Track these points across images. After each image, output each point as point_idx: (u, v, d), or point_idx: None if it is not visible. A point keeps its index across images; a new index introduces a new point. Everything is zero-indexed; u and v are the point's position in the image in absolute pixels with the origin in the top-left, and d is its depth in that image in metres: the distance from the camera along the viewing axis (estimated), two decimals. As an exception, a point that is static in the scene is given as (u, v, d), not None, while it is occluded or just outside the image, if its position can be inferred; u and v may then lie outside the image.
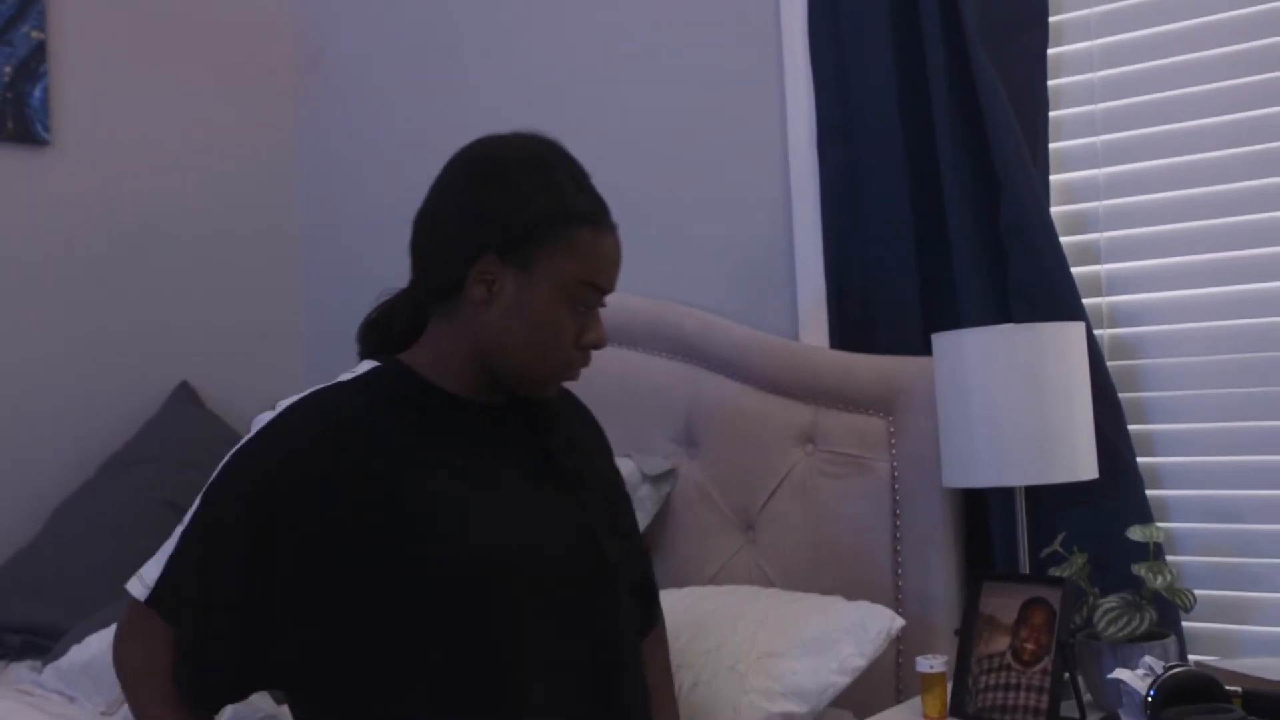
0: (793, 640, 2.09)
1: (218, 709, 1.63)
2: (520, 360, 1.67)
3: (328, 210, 3.56)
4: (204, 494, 1.62)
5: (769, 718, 1.99)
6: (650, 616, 1.93)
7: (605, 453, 1.93)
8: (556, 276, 1.63)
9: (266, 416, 1.64)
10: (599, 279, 1.66)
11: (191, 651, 1.57)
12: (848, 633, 2.11)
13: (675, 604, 2.27)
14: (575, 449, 1.79)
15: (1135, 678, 1.79)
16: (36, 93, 3.05)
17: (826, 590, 2.30)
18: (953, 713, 1.99)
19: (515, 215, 1.62)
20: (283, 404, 1.65)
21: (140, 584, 1.63)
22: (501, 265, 1.63)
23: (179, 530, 1.64)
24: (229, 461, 1.62)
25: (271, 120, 3.60)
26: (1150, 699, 1.72)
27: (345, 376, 1.71)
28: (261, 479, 1.59)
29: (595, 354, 2.69)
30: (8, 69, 3.00)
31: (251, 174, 3.53)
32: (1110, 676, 1.85)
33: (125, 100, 3.26)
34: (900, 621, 2.16)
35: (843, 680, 2.07)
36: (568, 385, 1.87)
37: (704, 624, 2.17)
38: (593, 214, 1.66)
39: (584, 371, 2.58)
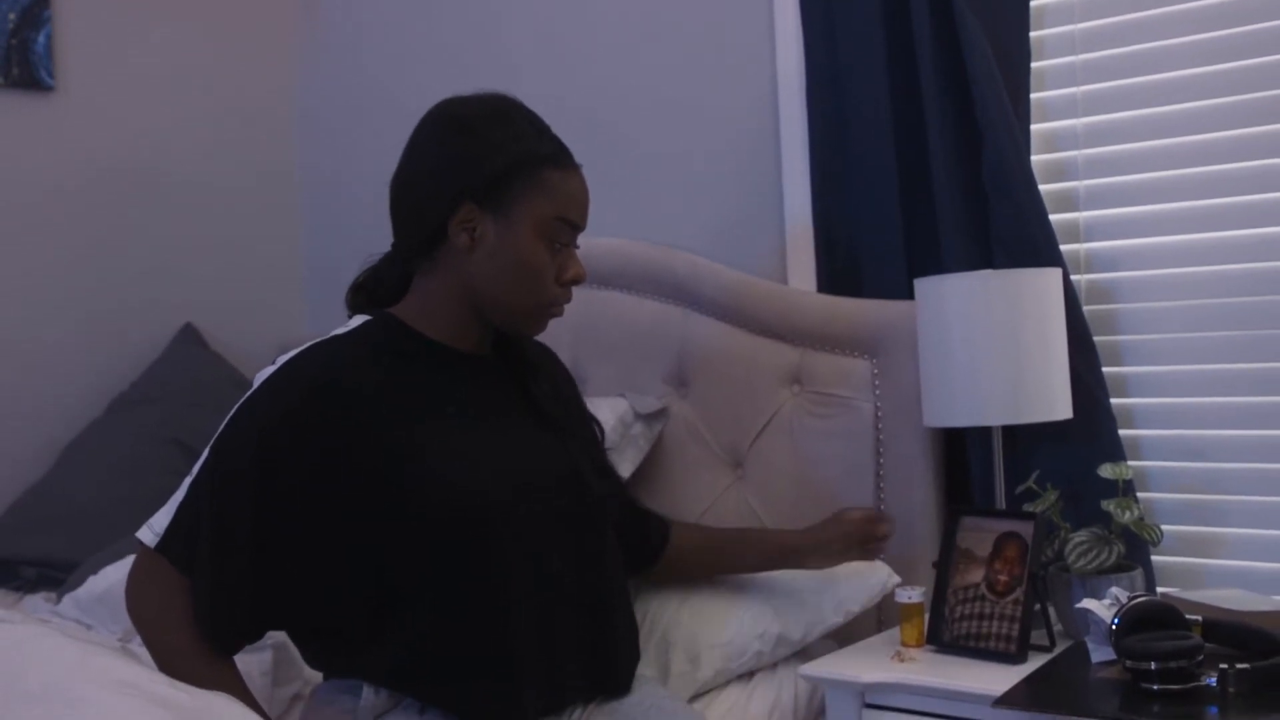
0: (797, 574, 2.18)
1: (236, 650, 1.70)
2: (508, 301, 1.74)
3: (328, 153, 3.59)
4: (212, 446, 1.69)
5: (765, 635, 2.10)
6: (661, 524, 2.07)
7: (579, 398, 2.01)
8: (533, 217, 1.71)
9: (268, 371, 1.72)
10: (571, 215, 1.75)
11: (207, 597, 1.64)
12: (848, 578, 2.20)
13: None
14: (558, 396, 1.87)
15: (1101, 607, 1.87)
16: (40, 39, 3.06)
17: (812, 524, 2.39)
18: (929, 641, 2.07)
19: (486, 163, 1.70)
20: (282, 358, 1.73)
21: (150, 532, 1.69)
22: (480, 212, 1.71)
23: (188, 480, 1.71)
24: (234, 415, 1.69)
25: (272, 63, 3.62)
26: (1114, 627, 1.79)
27: (340, 330, 1.78)
28: (264, 429, 1.66)
29: (594, 297, 2.78)
30: (12, 16, 3.01)
31: (253, 117, 3.56)
32: (1078, 606, 1.92)
33: (128, 46, 3.28)
34: (896, 579, 2.23)
35: (835, 619, 2.18)
36: (541, 338, 1.95)
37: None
38: (557, 155, 1.75)
39: (581, 314, 2.66)
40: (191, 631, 1.65)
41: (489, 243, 1.71)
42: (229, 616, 1.65)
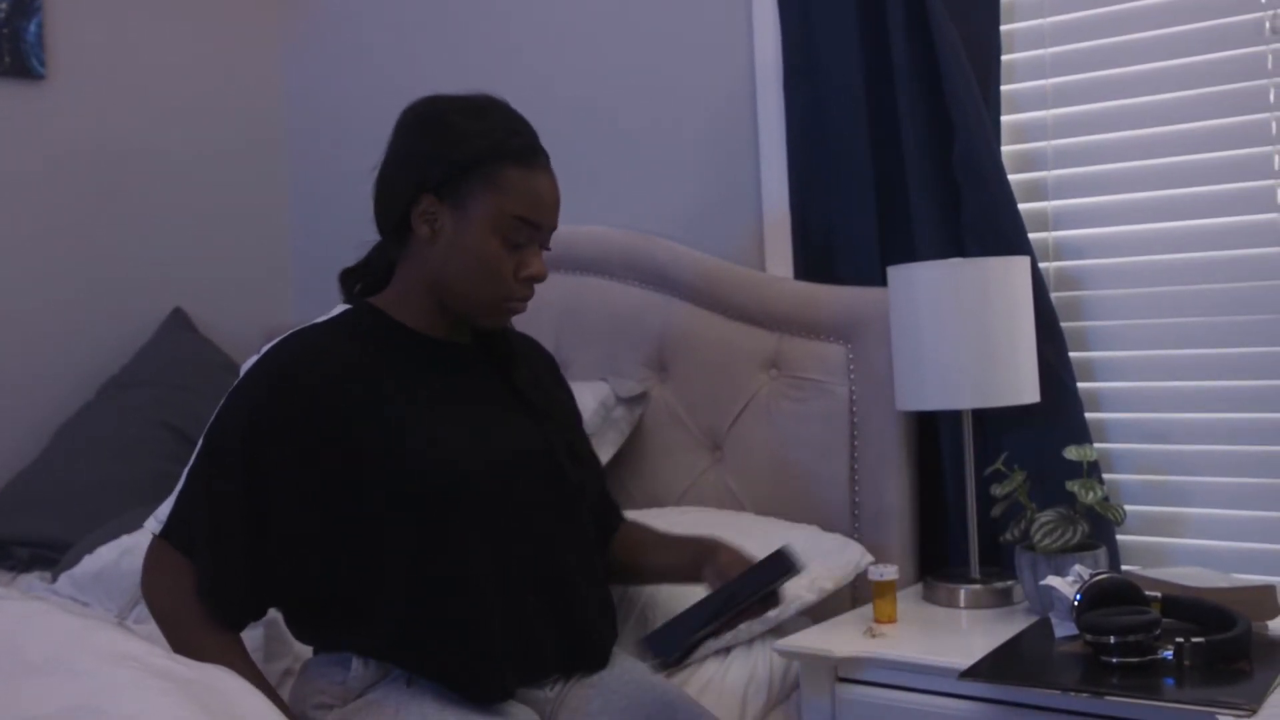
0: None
1: (241, 627, 1.75)
2: (465, 293, 1.78)
3: (316, 141, 3.63)
4: (205, 434, 1.75)
5: None
6: (618, 515, 2.07)
7: (564, 389, 2.04)
8: (488, 212, 1.74)
9: (249, 365, 1.78)
10: (530, 215, 1.76)
11: (208, 579, 1.70)
12: (823, 557, 2.25)
13: (658, 516, 2.39)
14: (538, 385, 1.91)
15: (1065, 584, 1.94)
16: (32, 28, 3.09)
17: (788, 504, 2.45)
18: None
19: (448, 156, 1.74)
20: (266, 347, 1.79)
21: (155, 521, 1.77)
22: (440, 204, 1.75)
23: (186, 470, 1.76)
24: (223, 404, 1.75)
25: (261, 50, 3.65)
26: (1076, 603, 1.86)
27: (320, 319, 1.84)
28: (251, 417, 1.72)
29: (576, 282, 2.82)
30: (4, 5, 3.04)
31: (242, 105, 3.60)
32: (1043, 583, 1.99)
33: (117, 34, 3.31)
34: (870, 558, 2.30)
35: (810, 597, 2.21)
36: (536, 336, 2.00)
37: (689, 527, 2.28)
38: (521, 154, 1.76)
39: (563, 299, 2.71)
40: (199, 610, 1.70)
41: (447, 235, 1.76)
42: (230, 595, 1.71)
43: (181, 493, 1.75)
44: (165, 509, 1.77)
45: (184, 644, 1.68)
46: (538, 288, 1.83)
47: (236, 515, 1.69)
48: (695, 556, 1.89)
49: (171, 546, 1.73)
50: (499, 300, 1.79)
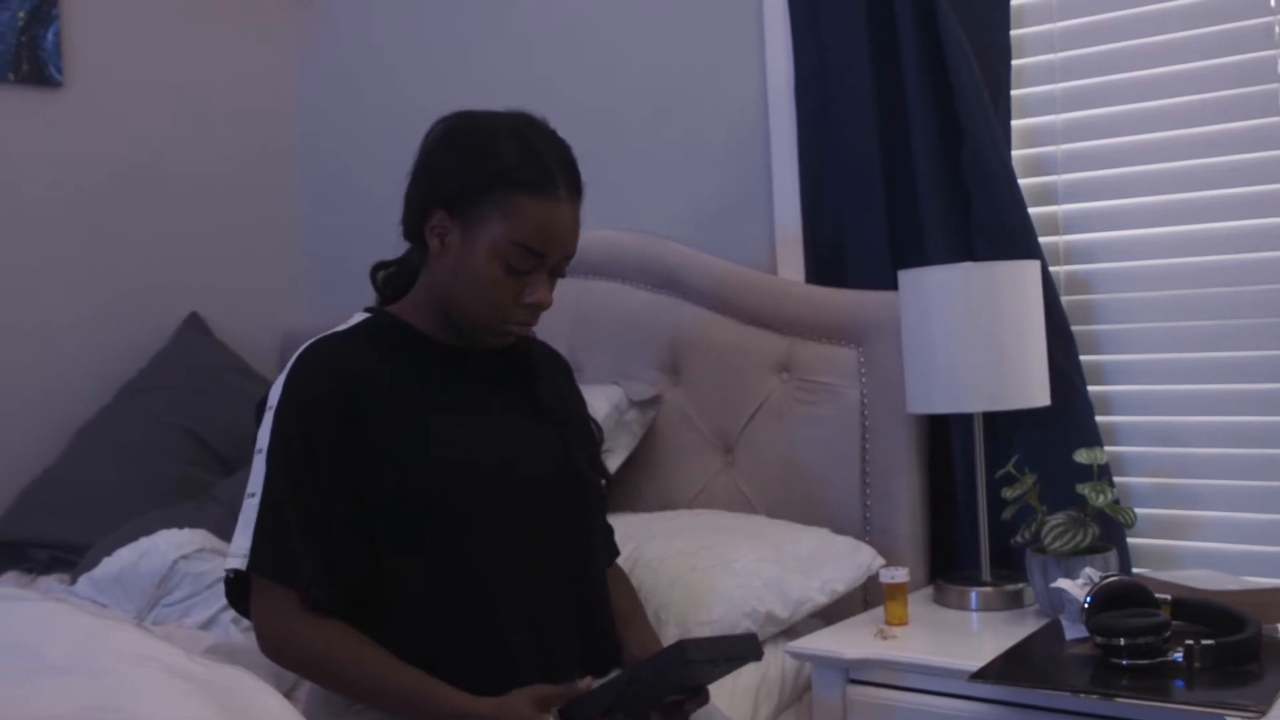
0: (785, 555, 2.25)
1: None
2: (464, 310, 1.79)
3: (328, 146, 3.65)
4: (266, 457, 1.73)
5: (754, 613, 2.15)
6: (612, 548, 2.05)
7: (582, 402, 2.04)
8: (490, 237, 1.74)
9: (280, 380, 1.77)
10: (534, 244, 1.74)
11: (315, 582, 1.68)
12: (834, 560, 2.28)
13: (673, 517, 2.45)
14: (557, 394, 1.93)
15: (1075, 586, 1.94)
16: (49, 36, 3.11)
17: (800, 507, 2.47)
18: None
19: (464, 174, 1.75)
20: (290, 361, 1.79)
21: (237, 559, 1.71)
22: (450, 220, 1.76)
23: (250, 503, 1.73)
24: (273, 426, 1.74)
25: (274, 56, 3.68)
26: (1087, 605, 1.87)
27: (340, 327, 1.85)
28: (301, 429, 1.72)
29: (588, 286, 2.83)
30: (21, 14, 3.06)
31: (255, 111, 3.62)
32: (1053, 586, 2.00)
33: (134, 42, 3.33)
34: (881, 561, 2.32)
35: (821, 599, 2.24)
36: (548, 339, 2.01)
37: (703, 528, 2.34)
38: (536, 182, 1.73)
39: (576, 303, 2.72)
40: (308, 615, 1.68)
41: (454, 251, 1.76)
42: (337, 591, 1.70)
43: (261, 523, 1.71)
44: (240, 543, 1.71)
45: (302, 650, 1.68)
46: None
47: (324, 518, 1.70)
48: (640, 645, 1.88)
49: (268, 580, 1.69)
50: (497, 322, 1.79)
